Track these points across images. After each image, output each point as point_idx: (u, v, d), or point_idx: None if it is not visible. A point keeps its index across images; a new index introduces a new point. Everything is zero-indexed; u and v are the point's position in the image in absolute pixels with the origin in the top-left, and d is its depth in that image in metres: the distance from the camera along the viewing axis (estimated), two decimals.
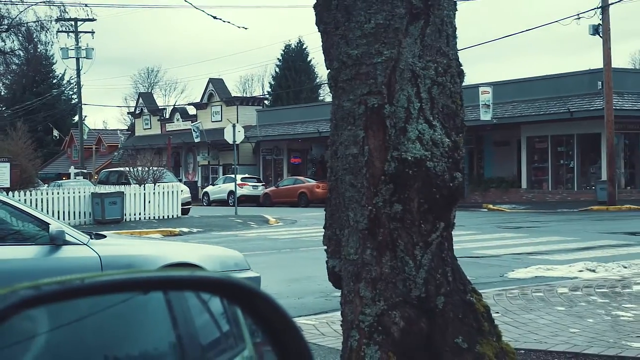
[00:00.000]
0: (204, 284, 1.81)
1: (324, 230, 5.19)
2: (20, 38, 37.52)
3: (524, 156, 42.25)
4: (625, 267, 13.80)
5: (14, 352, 1.55)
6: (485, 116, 39.18)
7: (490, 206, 37.46)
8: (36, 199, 28.59)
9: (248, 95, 76.69)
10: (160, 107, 74.33)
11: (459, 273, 5.04)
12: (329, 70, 5.10)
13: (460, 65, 5.06)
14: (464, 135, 5.02)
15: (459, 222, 5.15)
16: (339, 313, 5.18)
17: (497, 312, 9.23)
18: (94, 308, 1.75)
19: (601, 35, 33.87)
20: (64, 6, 37.04)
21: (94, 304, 1.74)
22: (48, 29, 37.71)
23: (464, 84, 5.13)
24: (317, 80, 73.56)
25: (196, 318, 1.91)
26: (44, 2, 34.78)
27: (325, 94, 70.95)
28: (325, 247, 5.18)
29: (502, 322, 8.65)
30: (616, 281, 12.07)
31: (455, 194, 4.89)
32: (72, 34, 56.51)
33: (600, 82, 35.46)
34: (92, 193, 30.23)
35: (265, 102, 70.54)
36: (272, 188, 50.66)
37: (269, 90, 77.58)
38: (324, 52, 5.14)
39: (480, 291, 5.38)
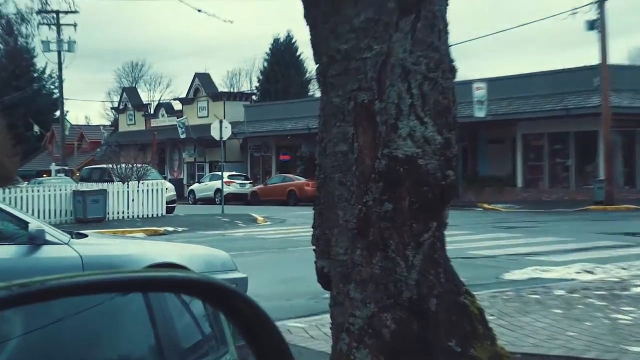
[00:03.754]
0: (184, 285, 1.80)
1: (312, 229, 5.18)
2: (0, 30, 37.39)
3: (520, 154, 42.30)
4: (624, 269, 13.80)
5: None
6: (479, 113, 39.20)
7: (485, 205, 37.46)
8: (15, 197, 28.51)
9: (235, 91, 76.59)
10: (144, 103, 74.23)
11: (452, 274, 5.04)
12: (318, 65, 5.10)
13: (453, 60, 5.06)
14: (457, 133, 5.02)
15: (452, 221, 5.15)
16: (328, 315, 5.17)
17: (492, 315, 9.22)
18: (72, 309, 1.74)
19: (597, 30, 33.94)
20: None
21: (71, 305, 1.73)
22: (29, 21, 37.57)
23: (456, 79, 5.13)
24: (307, 75, 73.41)
25: (176, 320, 1.90)
26: None
27: (315, 90, 70.81)
28: (314, 247, 5.17)
29: (497, 325, 8.65)
30: (614, 283, 12.07)
31: (448, 192, 4.89)
32: (53, 27, 56.38)
33: (596, 79, 35.52)
34: (73, 191, 30.17)
35: (253, 97, 70.44)
36: (260, 186, 50.61)
37: (257, 85, 77.40)
38: (312, 47, 5.13)
39: (474, 293, 5.38)
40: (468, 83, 39.35)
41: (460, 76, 6.04)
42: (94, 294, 1.75)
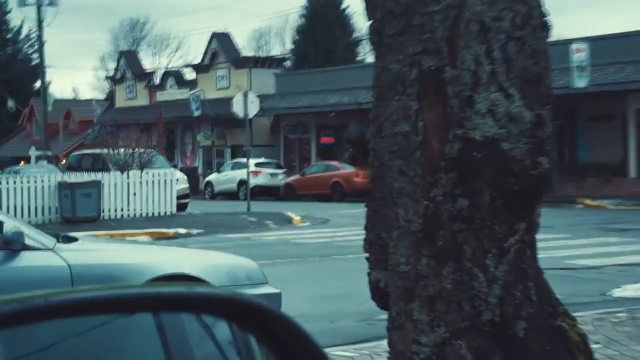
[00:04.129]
0: (205, 304, 1.81)
1: (365, 232, 5.20)
2: None
3: (633, 135, 41.99)
4: None
5: None
6: (580, 82, 38.98)
7: (587, 201, 37.31)
8: None
9: (263, 55, 76.74)
10: (148, 71, 74.60)
11: (546, 290, 5.03)
12: (371, 21, 5.10)
13: (545, 14, 5.04)
14: (551, 108, 5.00)
15: (544, 222, 5.13)
16: (385, 342, 5.19)
17: (597, 342, 9.19)
18: (62, 334, 1.76)
19: None
20: None
21: (61, 329, 1.75)
22: None
23: (550, 39, 5.11)
24: (355, 35, 73.39)
25: (196, 348, 1.91)
26: None
27: (367, 53, 70.81)
28: (367, 255, 5.19)
29: (604, 355, 8.63)
30: None
31: (540, 184, 4.88)
32: None
33: None
34: (59, 183, 30.42)
35: (286, 63, 70.59)
36: (297, 176, 50.75)
37: (291, 48, 77.60)
38: None
39: (575, 314, 5.37)
40: (565, 44, 39.14)
41: (555, 35, 6.02)
42: (89, 315, 1.77)
